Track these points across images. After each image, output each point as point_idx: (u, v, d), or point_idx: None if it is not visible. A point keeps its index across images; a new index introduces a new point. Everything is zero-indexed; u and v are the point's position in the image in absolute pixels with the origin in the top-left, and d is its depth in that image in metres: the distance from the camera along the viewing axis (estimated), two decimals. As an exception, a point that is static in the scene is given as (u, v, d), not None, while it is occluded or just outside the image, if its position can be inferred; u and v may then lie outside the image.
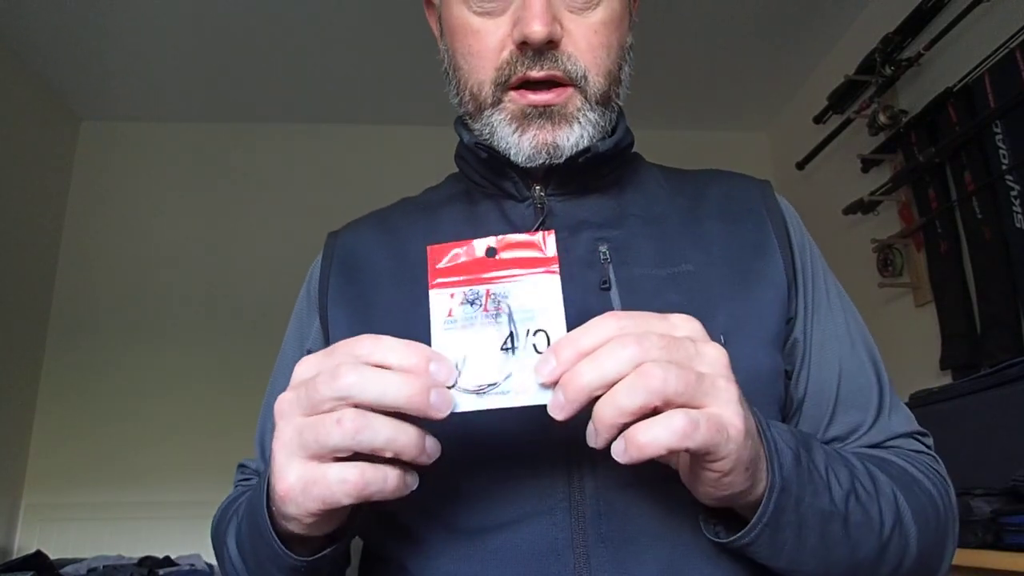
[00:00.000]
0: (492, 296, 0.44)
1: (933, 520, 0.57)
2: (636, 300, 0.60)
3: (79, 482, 2.78)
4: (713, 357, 0.44)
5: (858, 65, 2.44)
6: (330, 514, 0.45)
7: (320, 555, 0.50)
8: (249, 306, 2.97)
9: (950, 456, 0.66)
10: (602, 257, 0.63)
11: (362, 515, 0.53)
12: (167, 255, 3.05)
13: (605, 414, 0.40)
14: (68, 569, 2.19)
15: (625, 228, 0.66)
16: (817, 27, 2.71)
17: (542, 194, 0.66)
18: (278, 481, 0.43)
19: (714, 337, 0.58)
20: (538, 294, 0.44)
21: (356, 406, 0.41)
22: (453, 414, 0.42)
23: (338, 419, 0.41)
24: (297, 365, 0.45)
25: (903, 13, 2.25)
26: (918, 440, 0.66)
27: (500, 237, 0.46)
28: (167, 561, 2.27)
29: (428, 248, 0.47)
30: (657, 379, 0.40)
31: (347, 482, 0.41)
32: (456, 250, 0.46)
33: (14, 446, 2.72)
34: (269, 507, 0.49)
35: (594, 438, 0.42)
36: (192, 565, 2.23)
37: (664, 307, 0.59)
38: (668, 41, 2.76)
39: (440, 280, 0.46)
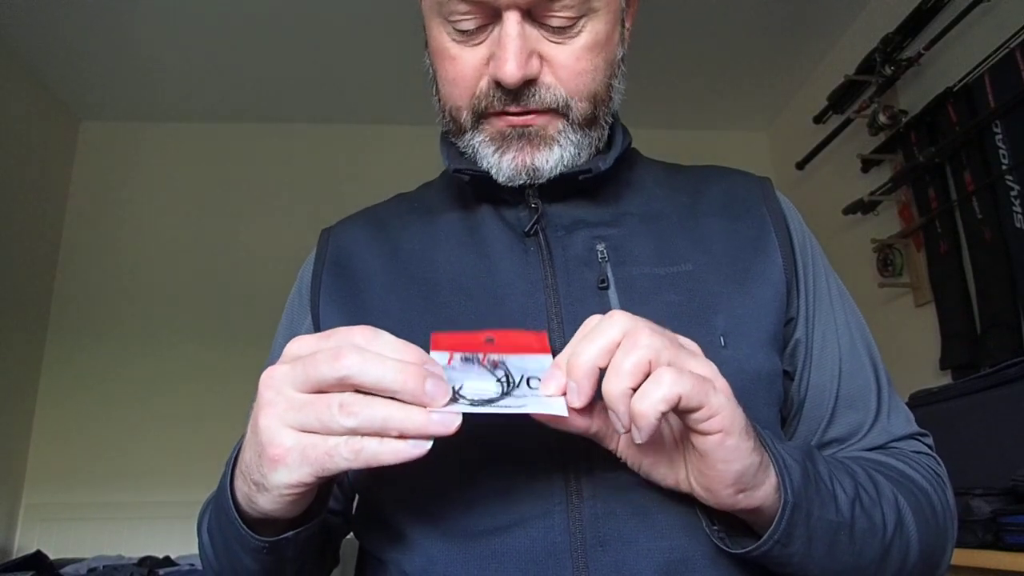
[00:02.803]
0: (488, 357, 0.47)
1: (932, 520, 0.58)
2: (634, 299, 0.60)
3: (79, 482, 2.78)
4: (694, 346, 0.48)
5: (858, 65, 2.44)
6: (306, 492, 0.45)
7: (283, 536, 0.50)
8: (249, 306, 2.97)
9: (950, 456, 0.66)
10: (599, 256, 0.62)
11: (356, 515, 0.52)
12: (168, 255, 3.05)
13: (612, 386, 0.43)
14: (68, 569, 2.19)
15: (623, 227, 0.65)
16: (817, 27, 2.71)
17: (536, 197, 0.65)
18: (269, 447, 0.42)
19: (714, 338, 0.58)
20: (533, 364, 0.47)
21: (354, 388, 0.41)
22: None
23: (340, 403, 0.41)
24: (291, 342, 0.45)
25: (903, 13, 2.25)
26: (918, 441, 0.66)
27: (500, 331, 0.50)
28: (167, 561, 2.27)
29: (432, 335, 0.50)
30: (644, 335, 0.44)
31: (348, 446, 0.41)
32: (458, 338, 0.50)
33: (14, 446, 2.72)
34: (233, 484, 0.49)
35: (617, 421, 0.43)
36: (192, 565, 2.23)
37: (663, 306, 0.60)
38: (669, 41, 2.75)
39: (440, 347, 0.49)
